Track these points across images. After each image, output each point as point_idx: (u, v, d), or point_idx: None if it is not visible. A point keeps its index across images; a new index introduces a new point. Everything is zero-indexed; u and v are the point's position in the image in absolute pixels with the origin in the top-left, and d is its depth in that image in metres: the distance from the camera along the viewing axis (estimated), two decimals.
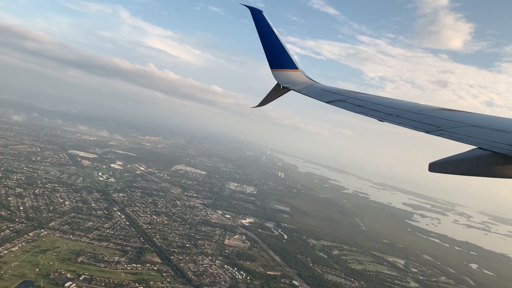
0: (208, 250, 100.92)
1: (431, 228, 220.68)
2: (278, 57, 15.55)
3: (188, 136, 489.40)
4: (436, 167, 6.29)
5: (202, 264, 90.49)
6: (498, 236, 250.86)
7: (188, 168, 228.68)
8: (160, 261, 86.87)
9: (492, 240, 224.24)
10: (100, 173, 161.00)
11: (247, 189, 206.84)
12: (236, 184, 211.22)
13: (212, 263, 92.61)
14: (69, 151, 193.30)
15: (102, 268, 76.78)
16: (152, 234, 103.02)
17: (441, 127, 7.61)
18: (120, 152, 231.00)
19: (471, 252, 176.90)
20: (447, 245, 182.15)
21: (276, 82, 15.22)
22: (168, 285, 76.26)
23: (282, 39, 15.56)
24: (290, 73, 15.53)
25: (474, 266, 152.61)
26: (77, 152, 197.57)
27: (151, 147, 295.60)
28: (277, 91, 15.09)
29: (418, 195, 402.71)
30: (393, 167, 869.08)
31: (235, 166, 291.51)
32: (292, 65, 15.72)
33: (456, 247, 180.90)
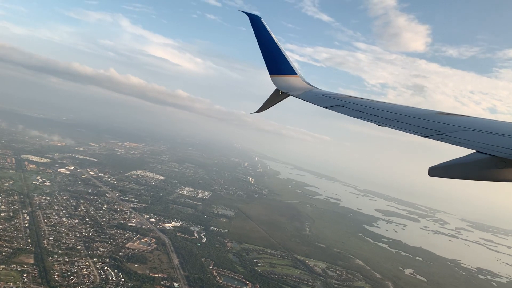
0: (99, 252, 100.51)
1: (389, 234, 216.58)
2: (276, 63, 15.73)
3: (176, 143, 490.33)
4: (436, 171, 6.24)
5: (79, 266, 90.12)
6: (463, 242, 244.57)
7: (147, 173, 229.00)
8: (32, 262, 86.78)
9: (452, 247, 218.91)
10: (38, 177, 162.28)
11: (200, 194, 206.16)
12: (190, 189, 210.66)
13: (93, 265, 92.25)
14: (21, 156, 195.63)
15: None
16: (47, 236, 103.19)
17: (441, 131, 7.62)
18: (80, 157, 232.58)
19: (417, 258, 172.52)
20: (393, 250, 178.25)
21: (276, 87, 15.38)
22: (21, 285, 76.12)
23: (281, 45, 15.76)
24: (289, 79, 15.72)
25: (408, 271, 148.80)
26: (31, 157, 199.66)
27: (121, 153, 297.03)
28: (276, 97, 15.32)
29: (401, 201, 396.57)
30: (385, 174, 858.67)
31: (205, 172, 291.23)
32: (291, 71, 15.90)
33: (402, 253, 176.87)
